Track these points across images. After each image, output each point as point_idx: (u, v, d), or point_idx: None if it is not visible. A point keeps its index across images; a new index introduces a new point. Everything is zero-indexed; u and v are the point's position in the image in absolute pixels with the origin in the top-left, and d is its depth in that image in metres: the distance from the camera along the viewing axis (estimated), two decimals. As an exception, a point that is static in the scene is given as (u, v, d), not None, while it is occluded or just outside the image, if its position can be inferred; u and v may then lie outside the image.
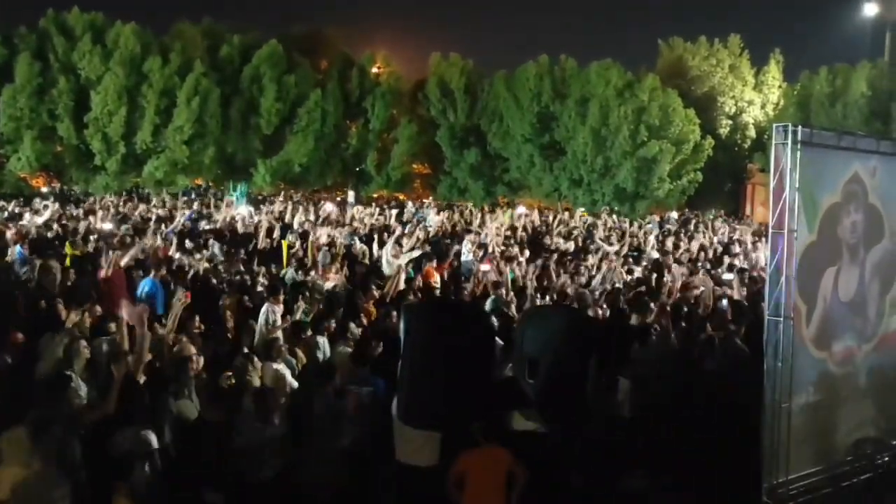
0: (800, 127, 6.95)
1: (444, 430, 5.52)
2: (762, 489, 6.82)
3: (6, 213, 18.38)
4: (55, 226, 15.94)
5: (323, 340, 8.54)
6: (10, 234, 13.90)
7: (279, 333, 8.33)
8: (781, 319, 6.83)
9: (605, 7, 62.50)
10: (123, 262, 10.47)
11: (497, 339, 6.26)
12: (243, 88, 31.03)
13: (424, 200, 32.73)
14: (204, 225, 18.01)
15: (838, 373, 7.62)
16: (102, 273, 9.94)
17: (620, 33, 53.92)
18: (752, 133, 34.06)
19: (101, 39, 28.88)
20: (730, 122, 34.05)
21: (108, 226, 15.66)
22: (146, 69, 28.66)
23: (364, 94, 33.60)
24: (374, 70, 34.95)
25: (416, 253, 13.31)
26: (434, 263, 13.12)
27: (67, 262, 11.89)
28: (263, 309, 9.03)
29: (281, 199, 30.31)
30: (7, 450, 5.07)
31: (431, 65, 34.60)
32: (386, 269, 12.55)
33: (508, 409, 5.20)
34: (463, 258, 14.74)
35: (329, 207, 23.74)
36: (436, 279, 12.14)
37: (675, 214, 30.01)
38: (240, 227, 17.07)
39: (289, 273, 12.00)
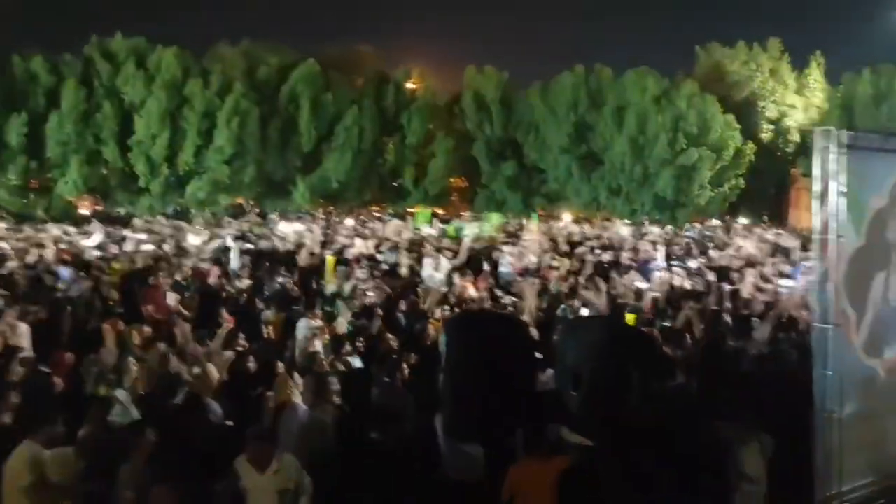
0: (844, 130, 6.80)
1: (486, 444, 5.50)
2: (815, 502, 6.64)
3: (55, 235, 18.82)
4: (101, 246, 16.30)
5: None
6: (60, 255, 14.24)
7: (318, 346, 8.39)
8: (830, 327, 6.67)
9: (639, 15, 62.08)
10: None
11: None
12: (281, 108, 31.52)
13: (462, 213, 32.76)
14: (246, 244, 18.22)
15: (890, 381, 7.41)
16: (147, 292, 10.14)
17: (656, 41, 53.51)
18: (795, 137, 33.49)
19: (144, 64, 29.63)
20: (772, 126, 33.54)
21: (151, 246, 15.95)
22: (187, 92, 29.31)
23: (400, 109, 33.86)
24: (410, 85, 35.20)
25: (453, 265, 13.33)
26: (471, 276, 13.13)
27: (114, 281, 12.14)
28: (301, 324, 9.11)
29: (320, 215, 30.61)
30: (55, 469, 5.17)
31: (466, 78, 34.75)
32: (425, 283, 12.61)
33: (552, 421, 5.15)
34: (501, 269, 14.71)
35: (350, 223, 23.91)
36: (472, 292, 12.13)
37: (716, 222, 29.57)
38: (280, 245, 17.24)
39: (329, 288, 12.10)
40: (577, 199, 32.74)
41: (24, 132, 27.76)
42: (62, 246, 15.77)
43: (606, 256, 16.26)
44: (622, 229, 22.68)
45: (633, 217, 30.07)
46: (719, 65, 34.46)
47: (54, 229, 19.95)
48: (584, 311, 10.52)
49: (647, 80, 30.77)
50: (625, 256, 16.46)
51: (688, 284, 12.95)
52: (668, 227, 25.11)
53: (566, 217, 30.21)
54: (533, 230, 20.25)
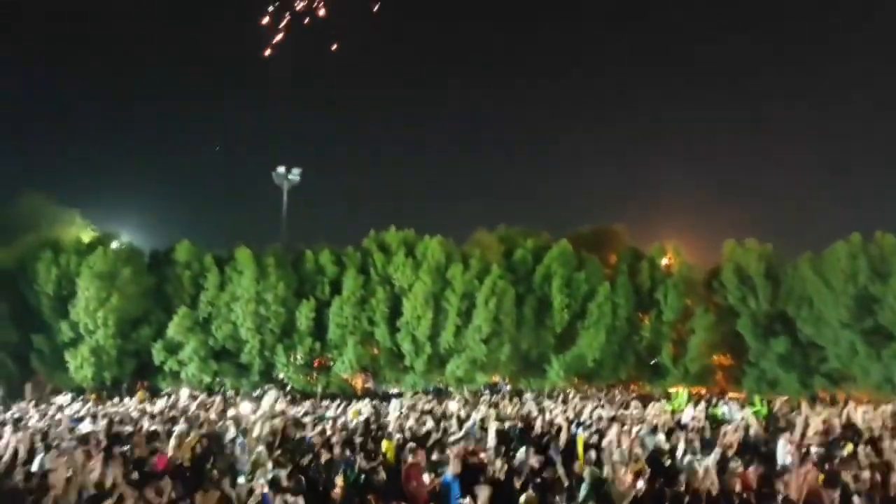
0: None
1: None
2: None
3: (328, 412, 20.29)
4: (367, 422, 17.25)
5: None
6: (328, 431, 15.23)
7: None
8: None
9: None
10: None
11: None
12: (536, 287, 32.49)
13: (728, 394, 30.39)
14: (502, 422, 18.25)
15: None
16: (408, 470, 10.42)
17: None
18: None
19: (412, 252, 32.52)
20: None
21: (415, 424, 16.56)
22: (449, 276, 31.45)
23: (655, 285, 33.35)
24: (665, 261, 34.71)
25: (720, 452, 12.22)
26: (742, 464, 11.86)
27: (388, 456, 12.68)
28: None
29: (574, 394, 30.07)
30: None
31: (726, 251, 33.61)
32: (690, 474, 11.59)
33: None
34: (780, 461, 13.16)
35: (606, 403, 22.98)
36: (745, 482, 10.92)
37: None
38: (537, 427, 17.01)
39: (586, 471, 11.56)
40: (865, 379, 29.11)
41: (311, 317, 31.28)
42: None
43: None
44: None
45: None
46: None
47: (330, 407, 21.59)
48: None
49: (945, 244, 27.57)
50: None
51: None
52: None
53: (853, 400, 26.70)
54: (813, 414, 18.05)
